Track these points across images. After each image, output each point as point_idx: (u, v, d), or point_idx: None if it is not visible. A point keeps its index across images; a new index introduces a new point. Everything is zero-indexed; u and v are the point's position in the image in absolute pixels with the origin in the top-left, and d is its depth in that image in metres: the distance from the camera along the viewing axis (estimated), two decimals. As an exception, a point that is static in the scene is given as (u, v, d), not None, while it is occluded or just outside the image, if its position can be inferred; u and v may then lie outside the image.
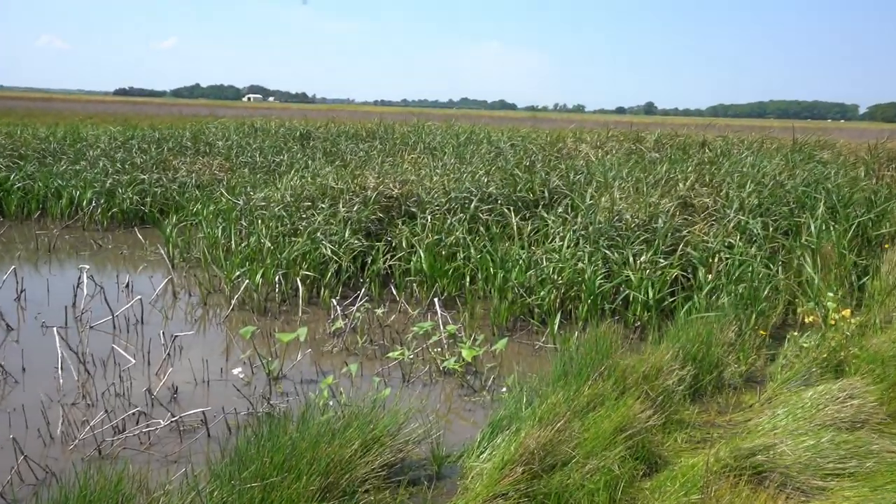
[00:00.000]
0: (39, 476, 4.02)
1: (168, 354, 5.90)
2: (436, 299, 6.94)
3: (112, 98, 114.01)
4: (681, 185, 9.49)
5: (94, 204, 11.80)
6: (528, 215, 9.17)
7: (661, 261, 7.44)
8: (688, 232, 8.07)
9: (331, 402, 4.76)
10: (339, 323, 6.68)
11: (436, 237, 8.34)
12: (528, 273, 7.27)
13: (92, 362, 5.76)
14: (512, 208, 9.08)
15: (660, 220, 8.17)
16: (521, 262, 7.47)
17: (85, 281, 7.30)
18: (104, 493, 3.25)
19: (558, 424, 3.98)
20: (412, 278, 8.01)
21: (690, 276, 7.53)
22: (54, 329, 5.86)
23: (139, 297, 7.11)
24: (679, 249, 7.70)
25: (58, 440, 4.49)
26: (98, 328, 6.69)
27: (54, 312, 7.06)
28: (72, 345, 5.89)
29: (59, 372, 5.49)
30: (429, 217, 8.82)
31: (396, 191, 9.43)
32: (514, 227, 8.52)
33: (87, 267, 7.67)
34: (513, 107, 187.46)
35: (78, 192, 12.04)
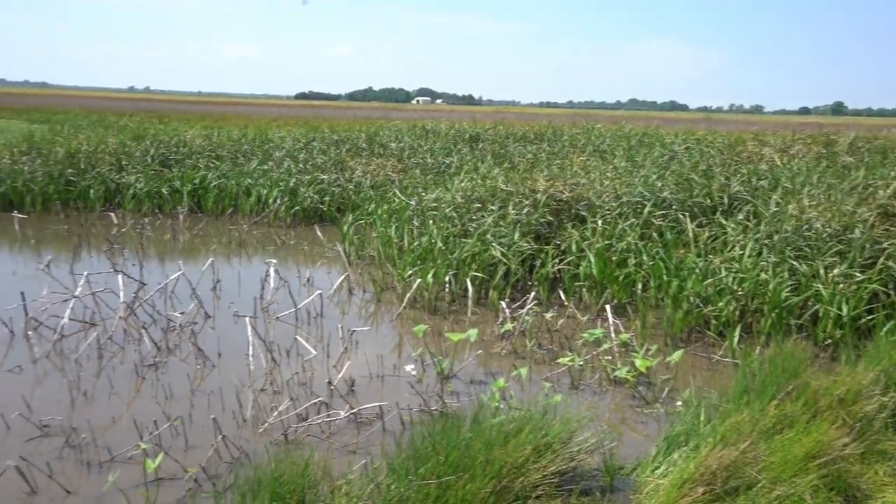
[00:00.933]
0: (234, 455, 4.34)
1: (346, 348, 6.18)
2: (607, 306, 6.78)
3: (293, 102, 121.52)
4: (881, 192, 8.68)
5: (278, 202, 12.60)
6: (704, 222, 8.76)
7: (858, 275, 6.84)
8: (889, 244, 7.36)
9: (500, 405, 4.77)
10: (508, 325, 6.70)
11: (606, 242, 8.17)
12: (705, 282, 6.94)
13: (278, 351, 6.14)
14: (687, 214, 8.71)
15: (857, 231, 7.52)
16: (697, 270, 7.14)
17: (272, 274, 7.80)
18: (292, 476, 3.44)
19: (743, 445, 3.75)
20: (581, 283, 7.88)
21: (892, 292, 6.87)
22: (246, 319, 6.31)
23: (319, 291, 7.50)
24: (879, 263, 7.04)
25: (249, 423, 4.82)
26: (283, 319, 7.14)
27: (244, 302, 7.61)
28: (260, 334, 6.31)
29: (250, 359, 5.91)
30: (599, 221, 8.65)
31: (566, 194, 9.33)
32: (690, 234, 8.16)
33: (274, 261, 8.19)
34: (684, 107, 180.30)
35: (265, 191, 12.91)
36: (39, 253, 9.66)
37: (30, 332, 6.37)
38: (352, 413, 4.81)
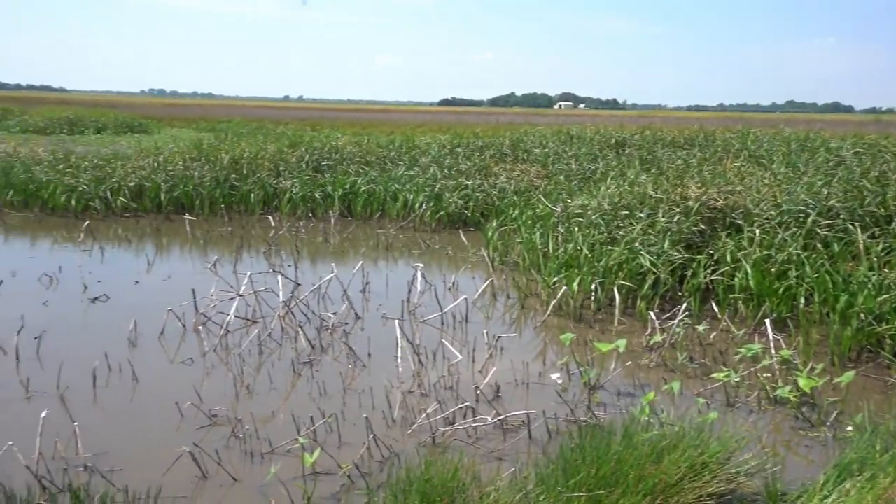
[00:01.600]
0: (384, 454, 4.46)
1: (491, 353, 6.20)
2: (766, 320, 6.40)
3: (437, 108, 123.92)
4: None
5: (424, 206, 12.87)
6: (877, 233, 8.09)
7: None
8: None
9: (651, 419, 4.62)
10: (658, 337, 6.48)
11: (765, 252, 7.72)
12: (879, 298, 6.40)
13: (425, 354, 6.26)
14: (857, 224, 8.08)
15: None
16: (869, 284, 6.60)
17: (419, 278, 7.97)
18: (442, 480, 3.48)
19: (928, 480, 3.42)
20: (737, 295, 7.49)
21: None
22: (395, 321, 6.48)
23: (464, 296, 7.58)
24: None
25: (398, 423, 4.94)
26: (429, 323, 7.27)
27: (392, 305, 7.82)
28: (407, 336, 6.45)
29: (398, 361, 6.06)
30: (757, 231, 8.19)
31: (720, 201, 8.91)
32: (861, 246, 7.56)
33: (421, 265, 8.36)
34: (849, 109, 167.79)
35: (411, 196, 13.23)
36: (206, 252, 10.38)
37: (199, 328, 6.85)
38: (499, 419, 4.81)
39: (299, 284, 7.93)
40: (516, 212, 11.17)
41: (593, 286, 7.73)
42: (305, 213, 13.50)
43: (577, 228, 9.06)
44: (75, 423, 4.42)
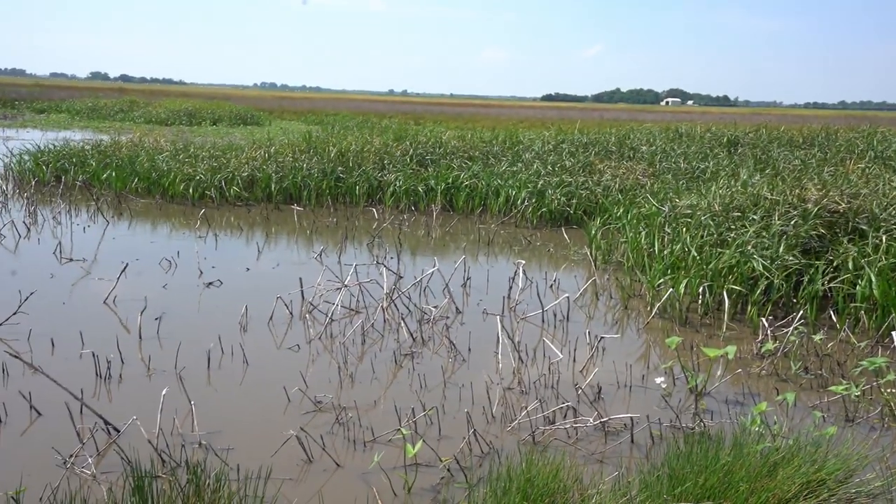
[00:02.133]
0: (484, 449, 4.46)
1: (592, 354, 6.10)
2: (892, 332, 6.01)
3: (539, 104, 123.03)
4: None
5: (526, 203, 12.80)
6: None
7: None
8: None
9: (762, 431, 4.42)
10: (770, 344, 6.19)
11: (891, 260, 7.25)
12: None
13: (525, 351, 6.23)
14: None
15: None
16: None
17: (521, 274, 7.93)
18: (543, 479, 3.45)
19: None
20: (858, 304, 7.07)
21: None
22: (497, 317, 6.47)
23: (566, 294, 7.48)
24: None
25: (497, 419, 4.93)
26: (529, 320, 7.22)
27: (491, 300, 7.81)
28: (508, 332, 6.43)
29: (499, 356, 6.05)
30: (883, 237, 7.70)
31: (843, 205, 8.42)
32: None
33: (523, 262, 8.32)
34: None
35: (514, 192, 13.17)
36: (312, 242, 10.68)
37: (306, 315, 7.06)
38: (600, 422, 4.72)
39: (401, 277, 8.04)
40: (621, 210, 10.93)
41: (701, 289, 7.47)
42: (408, 206, 13.67)
43: (684, 229, 8.78)
44: (192, 402, 4.64)
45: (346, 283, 7.30)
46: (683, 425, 4.82)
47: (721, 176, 12.02)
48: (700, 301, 7.49)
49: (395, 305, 7.14)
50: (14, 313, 6.38)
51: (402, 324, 6.65)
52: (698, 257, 7.87)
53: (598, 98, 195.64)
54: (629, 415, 4.80)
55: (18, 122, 31.94)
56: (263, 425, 4.77)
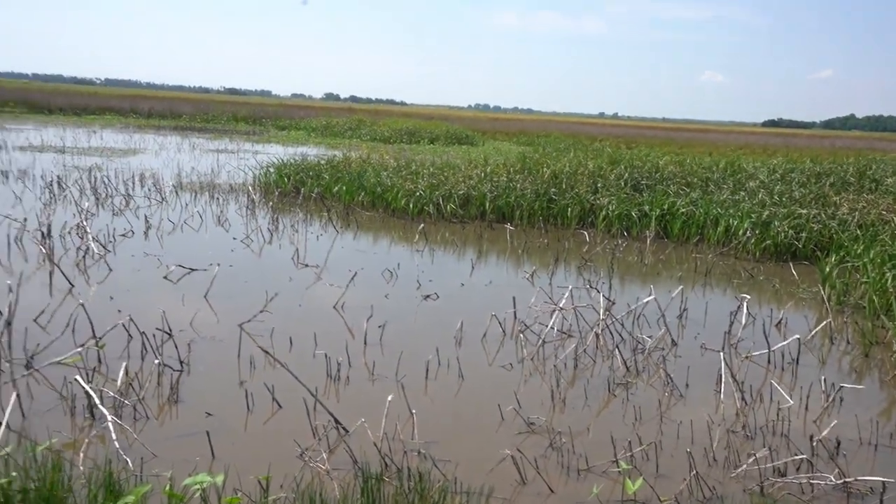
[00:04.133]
0: (706, 494, 4.22)
1: (828, 404, 5.58)
2: None
3: (760, 129, 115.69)
4: None
5: (748, 234, 12.05)
6: None
7: None
8: None
9: None
10: None
11: None
12: None
13: (749, 392, 5.83)
14: None
15: None
16: None
17: (744, 310, 7.46)
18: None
19: None
20: None
21: None
22: (720, 354, 6.12)
23: (797, 336, 6.92)
24: None
25: (720, 463, 4.65)
26: (753, 360, 6.77)
27: (709, 334, 7.41)
28: (730, 370, 6.06)
29: (720, 395, 5.72)
30: None
31: None
32: None
33: (748, 297, 7.82)
34: None
35: (734, 221, 12.46)
36: (522, 262, 10.78)
37: (519, 335, 7.12)
38: (843, 481, 4.29)
39: (613, 303, 7.88)
40: (861, 247, 9.95)
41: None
42: (620, 231, 13.39)
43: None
44: (413, 411, 4.84)
45: (560, 305, 7.27)
46: (942, 497, 4.25)
47: None
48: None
49: (610, 332, 7.00)
50: (261, 311, 7.05)
51: (617, 351, 6.50)
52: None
53: (829, 124, 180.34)
54: (881, 479, 4.30)
55: (264, 138, 35.48)
56: (478, 441, 4.85)
